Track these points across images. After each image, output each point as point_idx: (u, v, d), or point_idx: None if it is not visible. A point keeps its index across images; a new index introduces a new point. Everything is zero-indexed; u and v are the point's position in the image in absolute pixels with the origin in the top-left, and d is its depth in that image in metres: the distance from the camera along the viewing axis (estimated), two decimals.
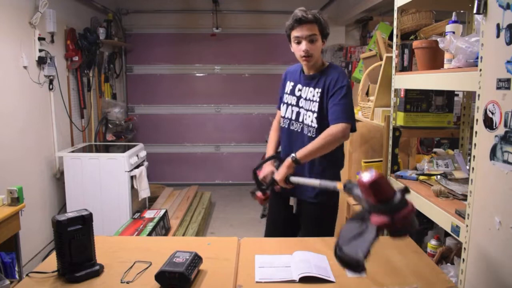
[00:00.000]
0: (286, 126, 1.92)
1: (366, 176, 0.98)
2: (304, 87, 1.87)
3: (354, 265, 1.02)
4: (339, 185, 1.36)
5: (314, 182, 1.59)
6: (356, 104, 2.67)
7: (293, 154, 1.74)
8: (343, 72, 1.86)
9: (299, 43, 1.79)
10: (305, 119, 1.84)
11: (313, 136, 1.81)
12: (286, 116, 1.92)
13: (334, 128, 1.72)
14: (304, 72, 1.89)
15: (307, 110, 1.83)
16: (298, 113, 1.88)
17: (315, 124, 1.81)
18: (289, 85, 1.95)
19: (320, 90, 1.81)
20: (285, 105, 1.93)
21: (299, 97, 1.88)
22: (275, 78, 5.17)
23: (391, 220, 0.96)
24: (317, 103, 1.80)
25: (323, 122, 1.79)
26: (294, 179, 1.71)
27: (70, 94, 3.72)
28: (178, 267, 1.22)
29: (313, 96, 1.82)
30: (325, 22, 1.80)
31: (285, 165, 1.73)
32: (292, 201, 1.92)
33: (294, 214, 1.92)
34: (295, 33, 1.78)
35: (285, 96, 1.94)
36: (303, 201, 1.87)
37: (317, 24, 1.76)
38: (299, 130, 1.87)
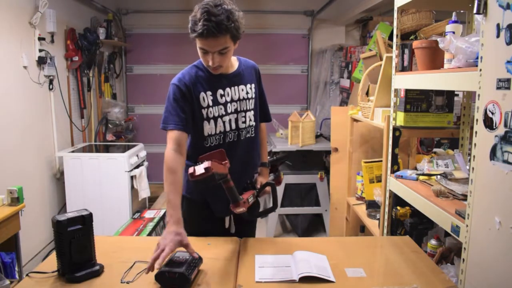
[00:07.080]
0: (221, 142, 1.61)
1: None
2: (231, 88, 1.61)
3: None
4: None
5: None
6: (356, 104, 2.68)
7: (264, 161, 1.76)
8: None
9: (205, 53, 1.48)
10: (245, 121, 1.64)
11: (252, 136, 1.67)
12: (217, 132, 1.60)
13: (264, 126, 1.80)
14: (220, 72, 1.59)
15: (245, 111, 1.64)
16: (236, 121, 1.62)
17: (253, 122, 1.67)
18: (205, 97, 1.57)
19: (254, 84, 1.66)
20: (211, 120, 1.58)
21: (226, 103, 1.60)
22: (275, 78, 5.17)
23: None
24: (254, 100, 1.66)
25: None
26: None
27: (70, 94, 3.72)
28: (178, 267, 1.22)
29: (247, 93, 1.64)
30: (238, 23, 1.45)
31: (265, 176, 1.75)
32: (227, 221, 1.71)
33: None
34: (199, 44, 1.45)
35: (206, 110, 1.57)
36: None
37: (230, 34, 1.43)
38: (235, 139, 1.63)
